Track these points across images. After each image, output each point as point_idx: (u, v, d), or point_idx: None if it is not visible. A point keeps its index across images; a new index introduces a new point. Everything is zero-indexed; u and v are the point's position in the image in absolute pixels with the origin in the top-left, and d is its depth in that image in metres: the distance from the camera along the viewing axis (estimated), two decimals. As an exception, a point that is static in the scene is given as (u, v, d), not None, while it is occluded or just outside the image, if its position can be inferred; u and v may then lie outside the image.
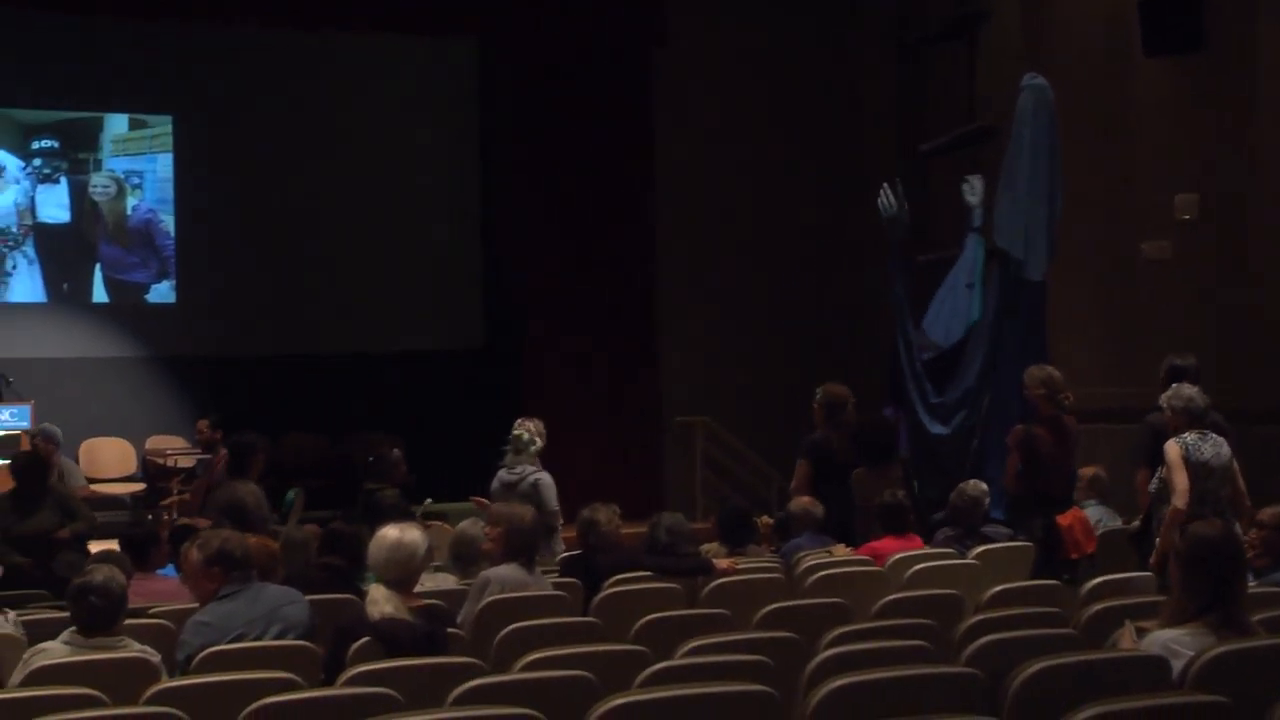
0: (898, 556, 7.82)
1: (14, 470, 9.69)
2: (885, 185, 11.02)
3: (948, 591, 6.79)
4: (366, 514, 9.04)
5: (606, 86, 14.41)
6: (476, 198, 16.02)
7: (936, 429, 10.40)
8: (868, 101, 14.80)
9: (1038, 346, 10.01)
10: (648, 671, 4.94)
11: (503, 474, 9.53)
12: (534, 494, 9.18)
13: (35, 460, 9.96)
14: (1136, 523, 8.57)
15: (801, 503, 8.80)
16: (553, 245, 14.43)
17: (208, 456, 11.79)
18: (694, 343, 14.60)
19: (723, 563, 7.79)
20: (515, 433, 9.62)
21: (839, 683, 4.48)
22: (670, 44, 14.47)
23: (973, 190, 10.99)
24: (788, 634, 5.66)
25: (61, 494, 9.89)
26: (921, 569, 7.51)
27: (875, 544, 8.28)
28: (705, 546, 8.40)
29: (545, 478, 9.47)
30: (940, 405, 10.43)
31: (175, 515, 12.81)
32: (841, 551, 8.24)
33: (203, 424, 11.38)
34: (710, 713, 4.41)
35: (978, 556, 7.95)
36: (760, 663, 5.05)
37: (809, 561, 7.85)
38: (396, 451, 10.17)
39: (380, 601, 5.74)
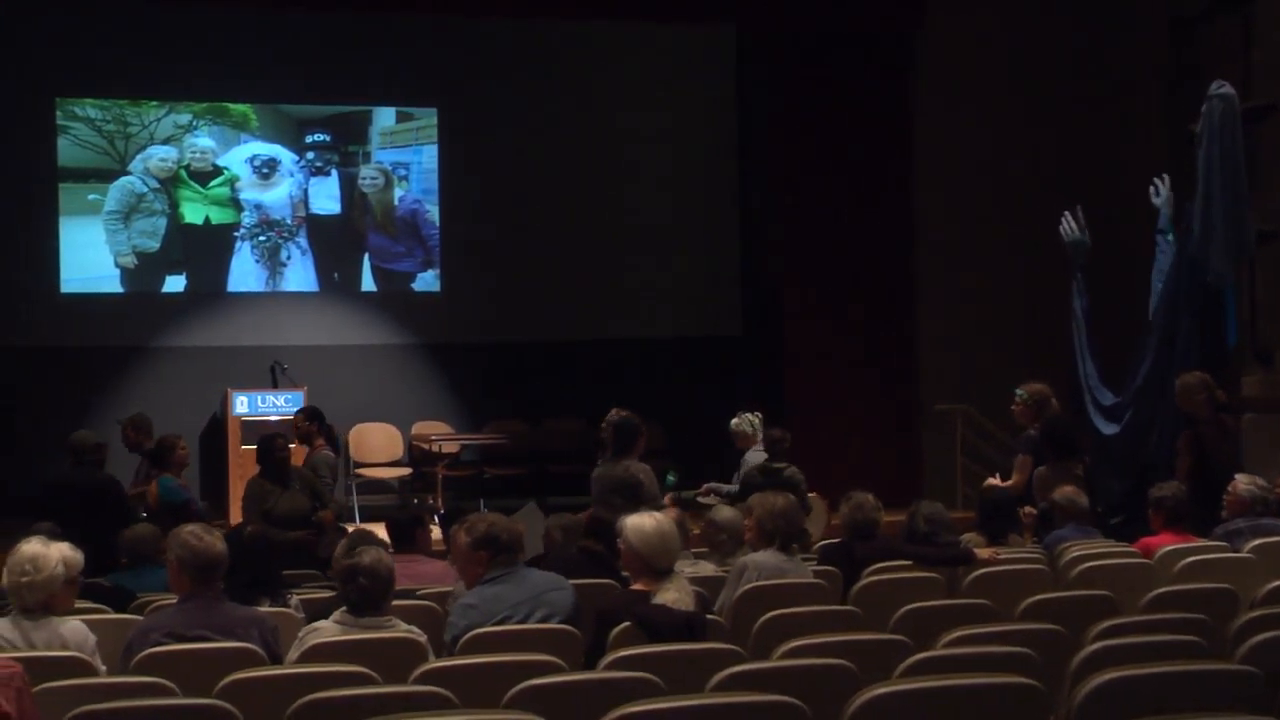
0: (1168, 549, 7.58)
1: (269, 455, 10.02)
2: (1067, 213, 11.07)
3: (1221, 585, 6.55)
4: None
5: (865, 73, 14.25)
6: (734, 185, 16.06)
7: (1109, 429, 10.40)
8: (1136, 83, 14.32)
9: (1218, 350, 10.10)
10: (908, 661, 4.89)
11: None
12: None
13: (287, 445, 10.23)
14: None
15: (1066, 493, 8.59)
16: (810, 233, 14.33)
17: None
18: (954, 329, 14.34)
19: (984, 553, 7.65)
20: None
21: (1107, 677, 4.36)
22: (929, 28, 14.23)
23: (1158, 193, 10.77)
24: (1052, 626, 5.53)
25: (307, 477, 10.20)
26: (1193, 562, 7.26)
27: (1150, 540, 8.03)
28: (965, 536, 8.26)
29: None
30: (1113, 406, 10.45)
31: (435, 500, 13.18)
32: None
33: (298, 417, 11.43)
34: (973, 704, 4.34)
35: (1253, 550, 7.65)
36: (1024, 655, 4.96)
37: (1074, 553, 7.65)
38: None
39: (668, 589, 5.77)
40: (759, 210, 15.60)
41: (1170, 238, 10.64)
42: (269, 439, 10.16)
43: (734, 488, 10.53)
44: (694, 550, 7.90)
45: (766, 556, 7.00)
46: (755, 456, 10.72)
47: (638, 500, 8.55)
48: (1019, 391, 9.91)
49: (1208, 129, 10.15)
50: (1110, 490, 9.91)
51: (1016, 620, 5.99)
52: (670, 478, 10.54)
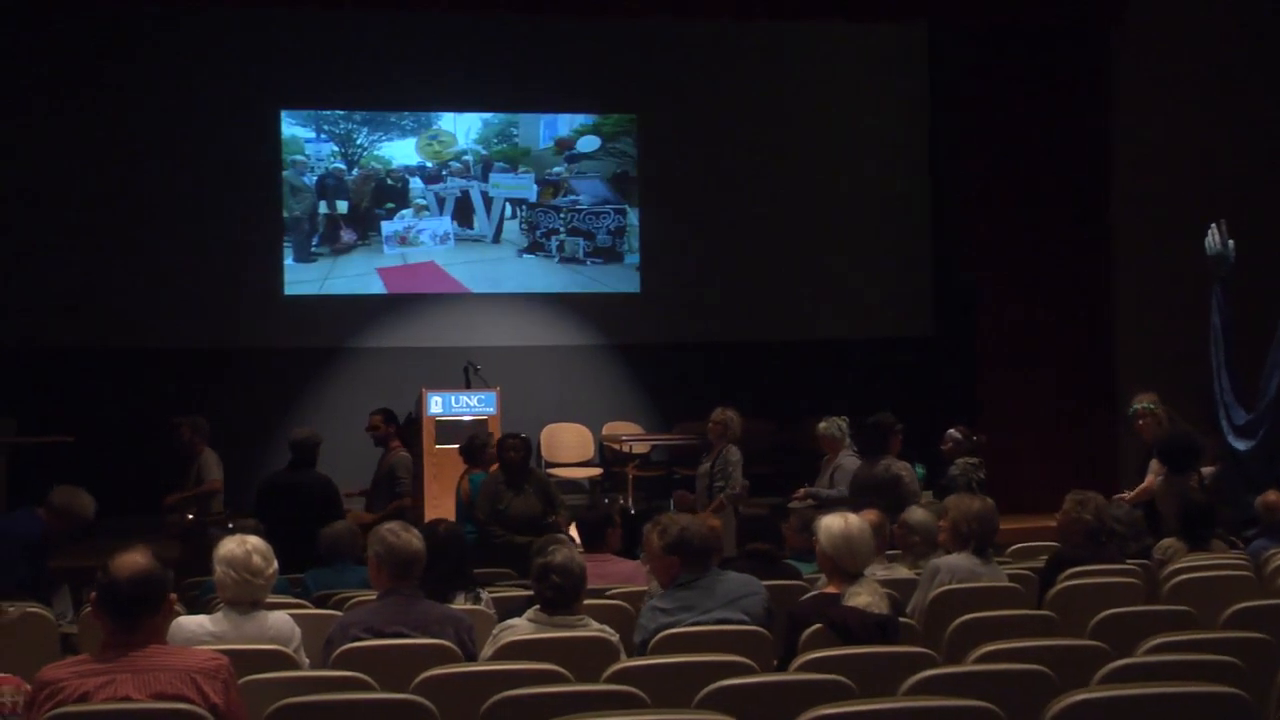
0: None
1: (502, 455, 10.16)
2: (1213, 225, 10.86)
3: None
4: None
5: (1060, 69, 13.94)
6: (926, 183, 15.93)
7: (1242, 445, 10.29)
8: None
9: None
10: (1107, 668, 4.79)
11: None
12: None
13: (526, 446, 10.37)
14: None
15: (1268, 501, 8.37)
16: (1004, 232, 14.08)
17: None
18: (1151, 329, 13.99)
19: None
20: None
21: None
22: (1128, 23, 13.88)
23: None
24: (1258, 635, 5.37)
25: (543, 481, 10.30)
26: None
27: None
28: (1165, 542, 8.07)
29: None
30: (1246, 424, 10.36)
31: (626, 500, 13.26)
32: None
33: (376, 418, 11.55)
34: (1175, 714, 4.24)
35: None
36: (1228, 663, 4.82)
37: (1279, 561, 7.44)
38: None
39: (860, 592, 5.74)
40: (952, 208, 15.42)
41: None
42: (504, 439, 10.28)
43: (833, 492, 10.42)
44: (888, 552, 7.83)
45: (960, 559, 6.92)
46: (848, 461, 10.60)
47: (899, 498, 8.73)
48: (1148, 405, 10.06)
49: None
50: (1244, 504, 9.68)
51: (1220, 628, 5.83)
52: (920, 471, 10.56)
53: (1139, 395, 10.13)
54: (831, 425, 10.81)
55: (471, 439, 10.80)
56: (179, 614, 5.43)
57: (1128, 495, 9.92)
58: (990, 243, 14.22)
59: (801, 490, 10.86)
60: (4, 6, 13.59)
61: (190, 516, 10.88)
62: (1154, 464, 9.75)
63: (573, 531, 8.93)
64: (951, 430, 10.79)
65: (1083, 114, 13.99)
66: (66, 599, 8.29)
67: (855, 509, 6.71)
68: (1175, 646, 5.15)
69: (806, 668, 5.08)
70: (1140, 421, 9.93)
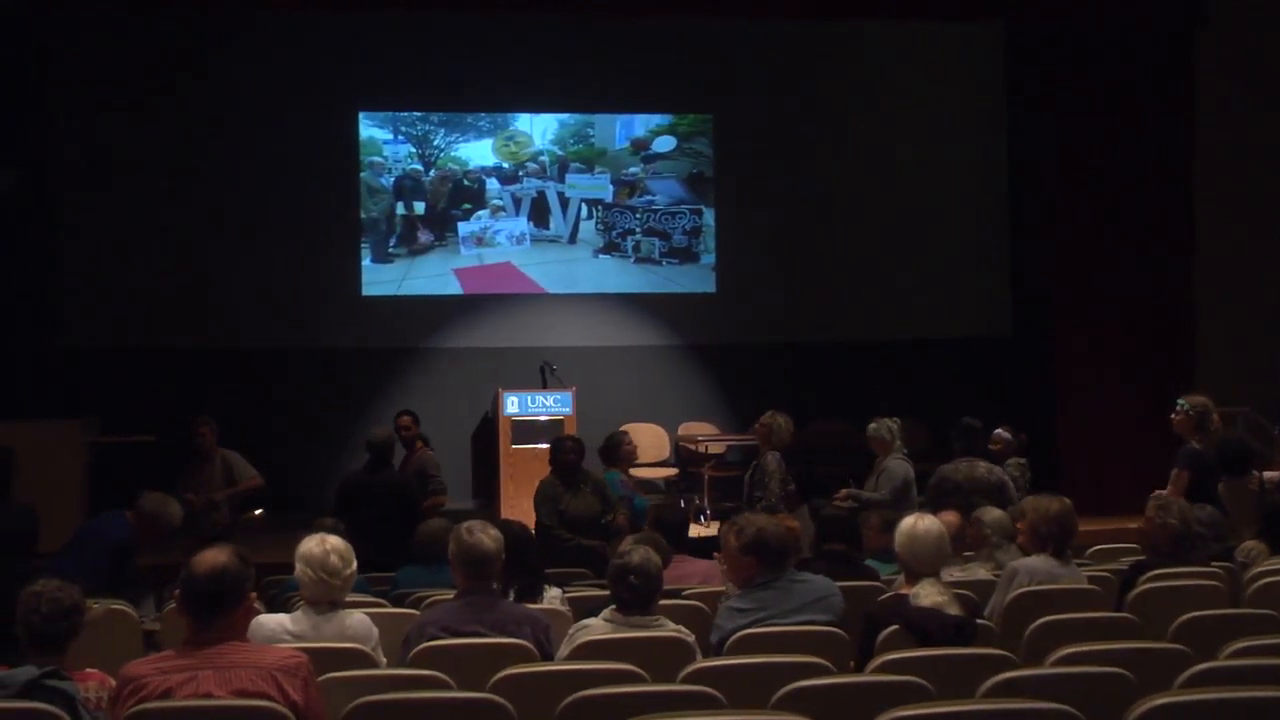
0: None
1: (560, 458, 10.18)
2: None
3: None
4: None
5: (1141, 69, 13.74)
6: (1004, 183, 15.82)
7: None
8: None
9: None
10: (1190, 672, 4.73)
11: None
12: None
13: (581, 448, 10.38)
14: None
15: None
16: (1084, 232, 13.92)
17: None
18: (1233, 331, 13.80)
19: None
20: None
21: None
22: (1212, 22, 13.68)
23: None
24: (1346, 640, 5.30)
25: (597, 481, 10.30)
26: None
27: None
28: (1246, 544, 7.96)
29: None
30: None
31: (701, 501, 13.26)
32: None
33: (406, 419, 11.54)
34: (1260, 719, 4.18)
35: None
36: (1315, 669, 4.76)
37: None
38: None
39: (930, 594, 5.72)
40: (1030, 208, 15.30)
41: None
42: (559, 441, 10.31)
43: (874, 494, 10.35)
44: (964, 554, 7.78)
45: (1038, 561, 6.86)
46: (895, 464, 10.52)
47: (1004, 500, 8.72)
48: (1181, 402, 9.69)
49: None
50: None
51: (1305, 632, 5.75)
52: (1014, 473, 10.52)
53: (1188, 395, 9.96)
54: (881, 427, 10.71)
55: (608, 439, 10.78)
56: (259, 612, 5.48)
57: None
58: (1069, 243, 14.08)
59: (843, 491, 10.83)
60: (91, 11, 13.81)
61: (255, 513, 11.03)
62: (1177, 472, 9.45)
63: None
64: (1000, 430, 10.70)
65: (1164, 115, 13.80)
66: (150, 601, 8.38)
67: (935, 510, 6.67)
68: (1260, 650, 5.09)
69: (884, 669, 5.06)
70: (1175, 417, 9.75)
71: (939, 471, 9.62)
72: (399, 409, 11.98)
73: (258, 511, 11.22)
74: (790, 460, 10.81)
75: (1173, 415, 9.75)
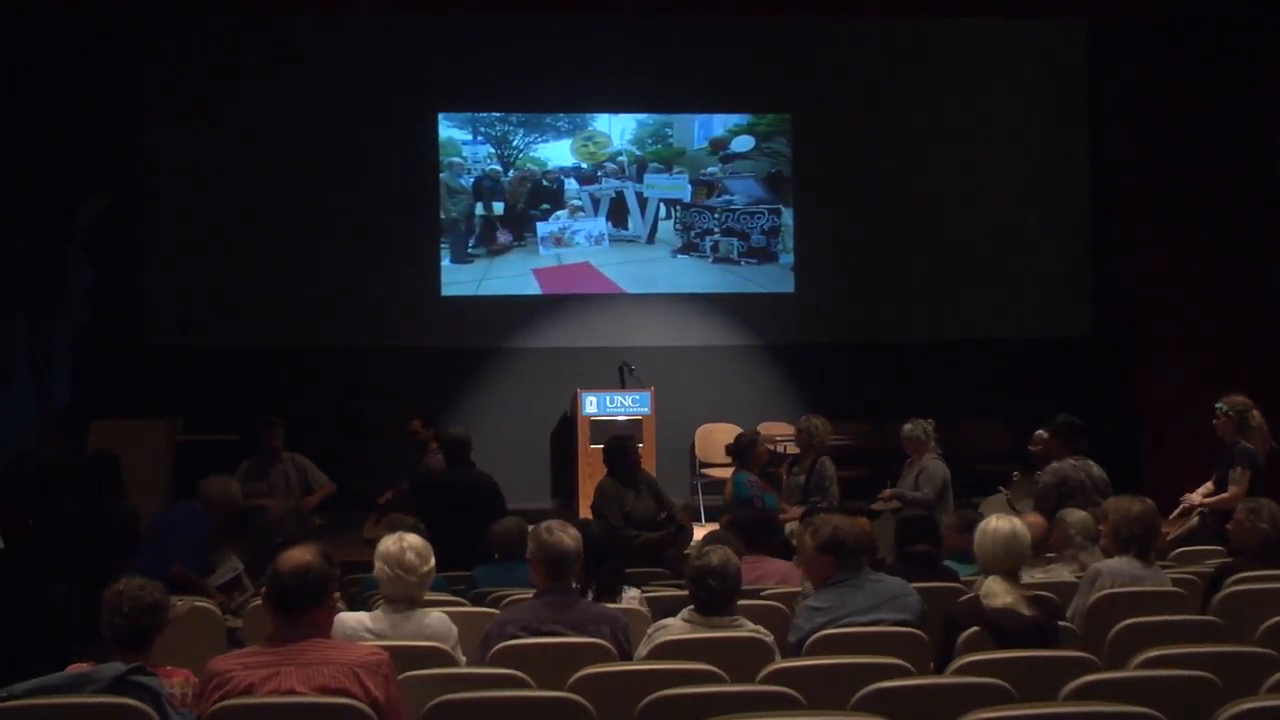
0: None
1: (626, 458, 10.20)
2: None
3: None
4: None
5: (1226, 66, 13.55)
6: (1086, 182, 15.68)
7: None
8: None
9: None
10: (1276, 676, 4.67)
11: None
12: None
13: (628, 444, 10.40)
14: None
15: None
16: (1166, 232, 13.73)
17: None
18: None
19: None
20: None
21: None
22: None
23: None
24: None
25: (651, 480, 10.32)
26: None
27: None
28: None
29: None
30: None
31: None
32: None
33: (416, 422, 11.44)
34: (1348, 724, 4.13)
35: None
36: (1403, 674, 4.69)
37: None
38: None
39: (999, 594, 5.69)
40: (1112, 207, 15.14)
41: None
42: (620, 440, 10.32)
43: (918, 494, 10.26)
44: (1047, 555, 7.73)
45: (1121, 563, 6.79)
46: (935, 464, 10.42)
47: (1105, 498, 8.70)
48: (1220, 405, 9.71)
49: None
50: None
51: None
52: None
53: (1226, 396, 9.87)
54: (917, 428, 10.72)
55: (739, 438, 10.79)
56: (341, 610, 5.52)
57: (1195, 498, 9.73)
58: (1152, 241, 13.90)
59: (887, 491, 10.80)
60: (172, 14, 13.97)
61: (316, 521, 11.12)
62: (1238, 471, 9.42)
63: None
64: (1040, 431, 10.61)
65: (1248, 107, 13.60)
66: (245, 579, 8.48)
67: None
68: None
69: (964, 670, 5.03)
70: (1216, 420, 9.67)
71: (1056, 472, 9.45)
72: (483, 408, 11.98)
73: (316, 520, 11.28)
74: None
75: (1215, 420, 9.70)
